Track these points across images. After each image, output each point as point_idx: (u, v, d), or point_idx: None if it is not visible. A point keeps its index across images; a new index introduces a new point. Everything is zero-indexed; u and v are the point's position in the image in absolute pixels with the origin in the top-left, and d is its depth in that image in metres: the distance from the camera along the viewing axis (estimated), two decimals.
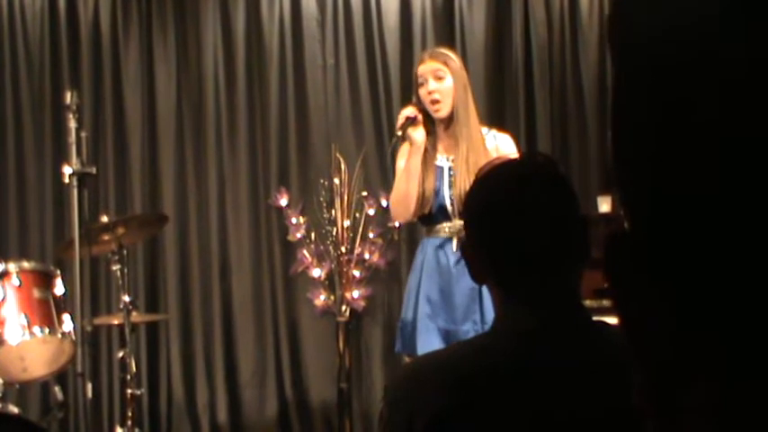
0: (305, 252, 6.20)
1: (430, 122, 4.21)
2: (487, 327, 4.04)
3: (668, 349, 0.58)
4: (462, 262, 4.08)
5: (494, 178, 1.76)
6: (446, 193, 4.17)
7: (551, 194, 1.70)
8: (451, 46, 6.50)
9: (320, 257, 6.17)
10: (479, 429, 1.58)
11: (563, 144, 6.41)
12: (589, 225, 1.76)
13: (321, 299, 6.17)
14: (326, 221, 6.16)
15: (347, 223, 6.14)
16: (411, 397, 1.65)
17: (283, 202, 6.26)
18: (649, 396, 0.61)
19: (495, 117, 6.44)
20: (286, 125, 6.50)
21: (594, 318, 1.70)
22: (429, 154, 4.20)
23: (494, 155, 4.15)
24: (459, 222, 4.16)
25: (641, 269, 0.58)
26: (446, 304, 4.14)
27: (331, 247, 6.14)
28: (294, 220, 6.22)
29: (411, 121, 4.11)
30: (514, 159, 1.85)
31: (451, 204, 4.16)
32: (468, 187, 4.10)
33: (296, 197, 6.32)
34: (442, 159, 4.23)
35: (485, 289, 4.04)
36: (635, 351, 0.61)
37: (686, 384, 0.58)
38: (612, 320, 1.78)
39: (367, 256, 6.15)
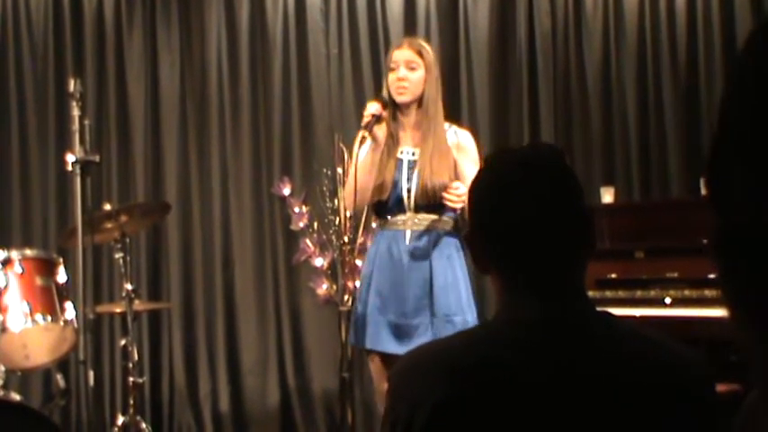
0: (307, 241, 6.19)
1: (396, 110, 4.20)
2: (438, 321, 4.09)
3: None
4: (414, 255, 4.12)
5: (498, 167, 1.76)
6: (404, 185, 4.17)
7: (555, 184, 1.70)
8: (455, 36, 6.51)
9: (323, 247, 6.16)
10: (482, 419, 1.58)
11: (566, 134, 6.39)
12: (593, 215, 1.76)
13: (323, 288, 6.16)
14: (329, 211, 6.14)
15: (350, 213, 6.13)
16: (413, 386, 1.64)
17: (286, 191, 6.25)
18: (764, 389, 0.60)
19: (499, 107, 6.44)
20: (289, 114, 6.50)
21: (598, 308, 1.69)
22: (391, 144, 4.20)
23: (455, 151, 4.18)
24: (413, 215, 4.17)
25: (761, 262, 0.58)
26: (397, 297, 4.14)
27: (333, 237, 6.13)
28: (297, 210, 6.21)
29: (376, 119, 4.10)
30: (519, 148, 1.84)
31: (408, 197, 4.15)
32: (432, 182, 4.15)
33: (299, 186, 6.31)
34: (403, 151, 4.23)
35: (436, 283, 4.09)
36: (747, 339, 0.61)
37: None
38: (616, 311, 1.78)
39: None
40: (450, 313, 4.10)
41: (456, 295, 4.15)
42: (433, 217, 4.18)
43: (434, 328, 4.04)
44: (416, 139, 4.22)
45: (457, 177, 4.13)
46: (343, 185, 6.08)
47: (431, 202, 4.15)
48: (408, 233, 4.17)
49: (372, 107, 4.13)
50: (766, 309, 0.58)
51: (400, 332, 4.10)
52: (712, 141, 0.62)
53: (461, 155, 4.22)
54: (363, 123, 4.11)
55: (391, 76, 4.19)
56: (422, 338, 3.96)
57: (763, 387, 0.60)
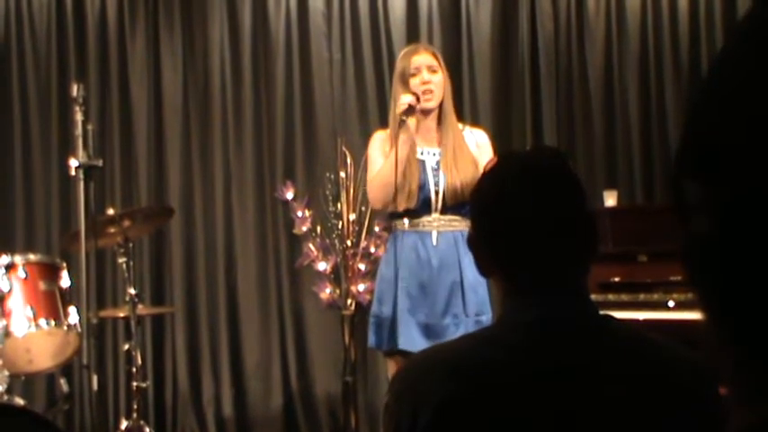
0: (310, 245, 6.18)
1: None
2: (469, 320, 4.10)
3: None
4: (443, 256, 4.12)
5: (501, 171, 1.76)
6: (431, 186, 4.18)
7: (559, 187, 1.70)
8: (457, 39, 6.52)
9: (326, 251, 6.16)
10: (484, 420, 1.58)
11: (569, 138, 6.40)
12: (596, 219, 1.76)
13: (326, 292, 6.16)
14: (332, 215, 6.14)
15: (353, 217, 6.12)
16: (416, 388, 1.65)
17: (289, 195, 6.24)
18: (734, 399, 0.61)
19: (501, 110, 6.44)
20: (292, 118, 6.50)
21: (600, 312, 1.70)
22: (412, 147, 4.21)
23: (474, 148, 4.21)
24: (440, 216, 4.17)
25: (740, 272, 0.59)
26: (426, 298, 4.14)
27: (336, 241, 6.13)
28: (300, 214, 6.20)
29: (411, 109, 4.11)
30: (523, 152, 1.85)
31: (436, 199, 4.16)
32: (458, 181, 4.16)
33: (302, 190, 6.31)
34: (423, 152, 4.24)
35: (466, 282, 4.09)
36: (717, 351, 0.62)
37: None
38: (620, 315, 1.78)
39: (372, 249, 6.13)
40: (480, 312, 4.12)
41: (482, 294, 4.18)
42: (459, 217, 4.19)
43: (465, 328, 4.05)
44: (436, 139, 4.25)
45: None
46: (346, 190, 6.11)
47: (459, 200, 4.15)
48: (435, 234, 4.17)
49: (407, 98, 4.12)
50: (733, 315, 0.59)
51: (431, 332, 4.10)
52: (677, 148, 0.63)
53: (481, 153, 4.25)
54: (400, 111, 4.10)
55: (414, 81, 4.19)
56: (453, 338, 3.96)
57: (731, 387, 0.62)
